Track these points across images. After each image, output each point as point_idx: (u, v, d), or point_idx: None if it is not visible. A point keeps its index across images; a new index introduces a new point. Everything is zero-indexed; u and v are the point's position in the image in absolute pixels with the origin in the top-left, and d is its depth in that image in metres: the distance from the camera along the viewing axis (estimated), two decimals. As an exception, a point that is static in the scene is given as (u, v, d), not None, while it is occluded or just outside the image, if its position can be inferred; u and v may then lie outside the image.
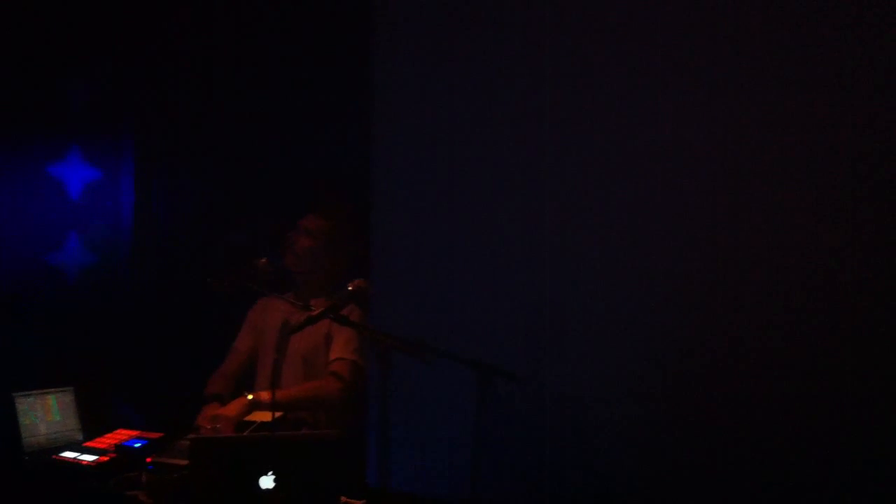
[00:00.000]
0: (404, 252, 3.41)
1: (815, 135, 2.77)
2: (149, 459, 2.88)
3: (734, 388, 2.83)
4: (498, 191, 3.27)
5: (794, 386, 2.75)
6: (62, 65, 4.28)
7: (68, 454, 3.05)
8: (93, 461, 2.98)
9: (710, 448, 2.88)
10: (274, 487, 2.52)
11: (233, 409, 3.17)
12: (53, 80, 4.27)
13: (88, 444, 3.16)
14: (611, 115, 3.08)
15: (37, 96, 4.19)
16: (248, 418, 3.14)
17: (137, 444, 3.07)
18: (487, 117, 3.30)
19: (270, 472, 2.52)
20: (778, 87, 2.84)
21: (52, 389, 3.32)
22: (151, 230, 4.52)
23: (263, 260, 3.50)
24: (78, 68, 4.34)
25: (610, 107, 3.08)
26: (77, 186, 4.32)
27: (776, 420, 2.76)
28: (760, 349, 2.80)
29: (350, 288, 3.07)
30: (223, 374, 3.54)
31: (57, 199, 4.24)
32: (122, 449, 3.05)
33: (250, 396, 3.20)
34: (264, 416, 3.11)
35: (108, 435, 3.22)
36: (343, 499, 2.67)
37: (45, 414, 3.27)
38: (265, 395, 3.18)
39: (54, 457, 3.05)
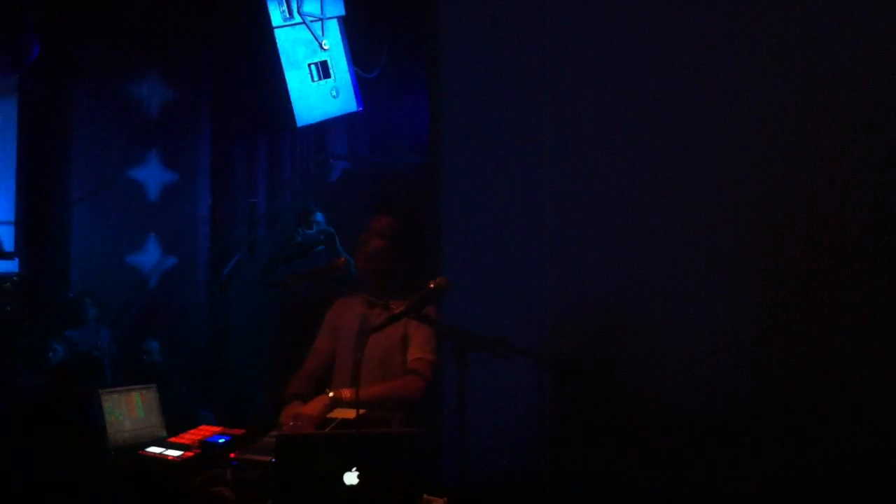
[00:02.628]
0: (476, 247, 3.40)
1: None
2: (232, 455, 2.91)
3: (821, 390, 2.78)
4: (565, 186, 3.25)
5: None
6: (140, 69, 4.38)
7: (154, 449, 3.10)
8: (178, 456, 3.02)
9: (791, 450, 2.83)
10: (358, 483, 2.53)
11: (314, 407, 3.19)
12: (132, 85, 4.37)
13: (172, 439, 3.21)
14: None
15: (117, 102, 4.28)
16: (329, 416, 3.16)
17: (221, 440, 3.11)
18: (549, 112, 3.29)
19: (354, 469, 2.53)
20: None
21: (136, 387, 3.37)
22: (228, 231, 4.60)
23: (342, 259, 3.54)
24: (155, 72, 4.44)
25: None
26: (156, 189, 4.41)
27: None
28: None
29: (432, 286, 3.08)
30: (304, 373, 3.57)
31: (137, 202, 4.34)
32: (206, 445, 3.08)
33: (331, 394, 3.22)
34: (346, 414, 3.12)
35: (192, 431, 3.26)
36: (425, 496, 2.67)
37: (130, 410, 3.33)
38: (347, 393, 3.20)
39: (140, 452, 3.10)
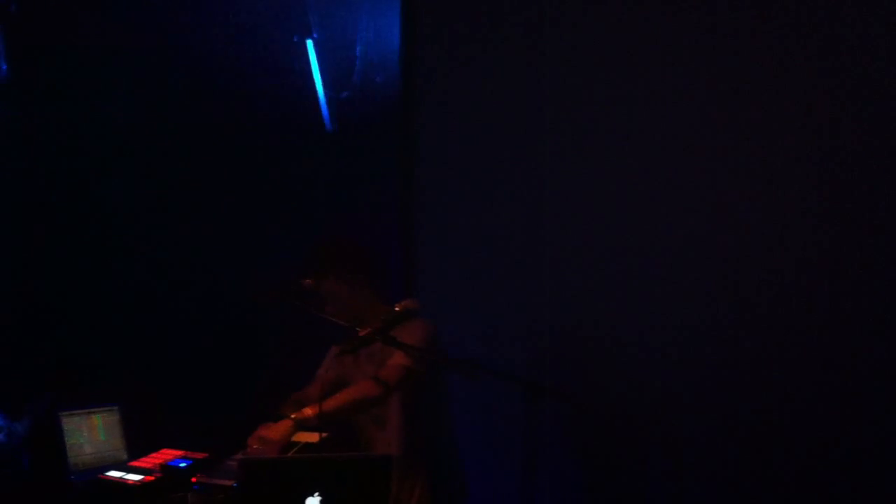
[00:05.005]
0: (449, 271, 3.39)
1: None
2: (194, 479, 2.87)
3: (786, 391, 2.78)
4: (530, 209, 3.25)
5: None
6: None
7: (114, 474, 3.05)
8: (138, 481, 2.96)
9: (764, 456, 2.83)
10: (320, 508, 2.50)
11: (279, 430, 3.14)
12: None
13: (134, 463, 3.16)
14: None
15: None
16: (294, 439, 3.11)
17: (183, 464, 3.06)
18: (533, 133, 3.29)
19: (316, 493, 2.50)
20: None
21: (98, 409, 3.32)
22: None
23: (309, 280, 3.50)
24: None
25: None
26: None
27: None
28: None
29: (397, 309, 3.07)
30: (301, 396, 3.51)
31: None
32: (167, 469, 3.03)
33: (294, 416, 3.17)
34: (310, 437, 3.08)
35: (153, 454, 3.21)
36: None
37: (91, 433, 3.27)
38: (309, 412, 3.15)
39: (100, 476, 3.04)
